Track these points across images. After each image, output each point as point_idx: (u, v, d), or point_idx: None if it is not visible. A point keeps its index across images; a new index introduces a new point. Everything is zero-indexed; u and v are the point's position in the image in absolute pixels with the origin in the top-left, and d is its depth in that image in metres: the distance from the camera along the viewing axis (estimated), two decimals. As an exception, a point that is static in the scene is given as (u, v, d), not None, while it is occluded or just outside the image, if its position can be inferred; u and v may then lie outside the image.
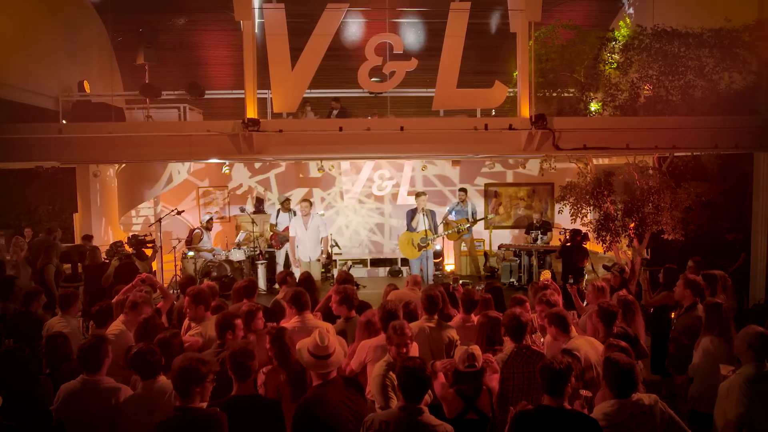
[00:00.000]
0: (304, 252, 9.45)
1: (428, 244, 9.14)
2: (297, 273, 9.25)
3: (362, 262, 12.31)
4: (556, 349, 4.22)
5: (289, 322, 4.46)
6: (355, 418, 3.35)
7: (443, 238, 10.72)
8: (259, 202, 12.23)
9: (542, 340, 4.68)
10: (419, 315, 4.79)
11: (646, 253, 9.83)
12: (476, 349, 3.48)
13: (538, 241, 10.39)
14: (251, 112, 7.63)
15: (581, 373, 3.93)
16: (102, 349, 3.81)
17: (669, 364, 5.16)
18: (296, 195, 12.68)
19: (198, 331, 4.62)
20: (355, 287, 6.13)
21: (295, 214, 10.46)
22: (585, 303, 6.19)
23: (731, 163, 9.35)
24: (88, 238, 9.96)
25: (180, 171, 11.80)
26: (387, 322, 4.05)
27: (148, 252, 9.51)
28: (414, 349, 4.00)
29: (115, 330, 4.70)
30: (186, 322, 4.91)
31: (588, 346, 4.11)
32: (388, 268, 12.14)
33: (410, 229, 9.37)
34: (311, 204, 9.49)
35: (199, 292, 4.86)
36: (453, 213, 10.92)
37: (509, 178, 13.14)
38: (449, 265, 12.46)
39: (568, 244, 8.57)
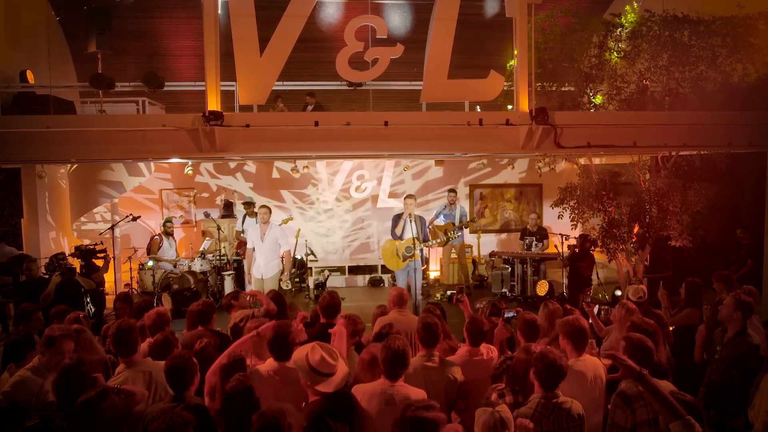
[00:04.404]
0: (257, 268, 8.00)
1: (414, 254, 7.89)
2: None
3: (340, 270, 11.37)
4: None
5: (264, 366, 3.52)
6: None
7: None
8: (228, 206, 11.19)
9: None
10: (416, 347, 3.90)
11: (645, 260, 9.15)
12: (505, 412, 2.57)
13: (533, 248, 9.54)
14: (213, 104, 6.64)
15: None
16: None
17: (713, 402, 4.34)
18: (265, 197, 11.74)
19: (124, 376, 3.48)
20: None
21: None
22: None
23: (733, 163, 8.71)
24: None
25: (141, 170, 10.79)
26: (391, 365, 3.19)
27: (99, 263, 8.48)
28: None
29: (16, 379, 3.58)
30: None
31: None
32: (368, 277, 11.23)
33: (394, 236, 8.19)
34: (270, 211, 8.19)
35: (121, 335, 3.59)
36: (441, 217, 10.01)
37: (495, 179, 12.37)
38: (434, 272, 11.62)
39: (576, 250, 7.74)
